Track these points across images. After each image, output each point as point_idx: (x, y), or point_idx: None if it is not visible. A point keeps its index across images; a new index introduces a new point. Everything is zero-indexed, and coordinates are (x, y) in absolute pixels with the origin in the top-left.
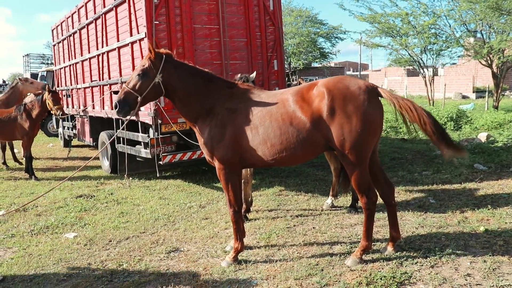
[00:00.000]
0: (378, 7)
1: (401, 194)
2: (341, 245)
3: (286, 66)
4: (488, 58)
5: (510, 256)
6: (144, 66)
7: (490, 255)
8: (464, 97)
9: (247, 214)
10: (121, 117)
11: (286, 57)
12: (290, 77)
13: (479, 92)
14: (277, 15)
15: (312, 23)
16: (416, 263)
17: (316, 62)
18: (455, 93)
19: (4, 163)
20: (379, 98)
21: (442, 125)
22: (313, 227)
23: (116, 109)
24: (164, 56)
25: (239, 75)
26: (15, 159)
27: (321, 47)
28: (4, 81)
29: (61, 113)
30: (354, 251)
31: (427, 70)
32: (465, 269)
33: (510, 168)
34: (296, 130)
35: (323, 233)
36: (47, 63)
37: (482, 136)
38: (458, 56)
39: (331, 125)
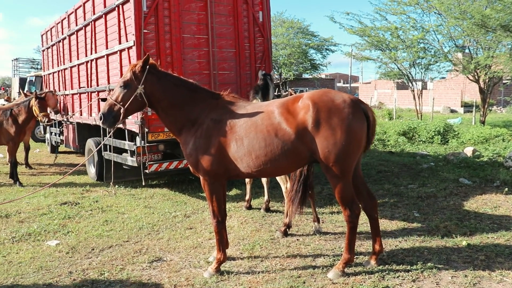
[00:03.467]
0: (368, 21)
1: (386, 207)
2: (324, 258)
3: (277, 77)
4: (475, 73)
5: (490, 271)
6: (126, 78)
7: (471, 270)
8: (452, 111)
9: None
10: (106, 127)
11: (277, 68)
12: (281, 87)
13: (467, 107)
14: (266, 26)
15: (303, 34)
16: (398, 277)
17: (307, 73)
18: (443, 107)
19: None
20: (363, 112)
21: None
22: (297, 239)
23: (101, 120)
24: (147, 67)
25: (260, 71)
26: None
27: (312, 59)
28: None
29: (47, 120)
30: (336, 264)
31: (416, 83)
32: (446, 283)
33: (494, 183)
34: (281, 142)
35: (307, 245)
36: (37, 68)
37: (468, 151)
38: (447, 71)
39: (316, 137)
